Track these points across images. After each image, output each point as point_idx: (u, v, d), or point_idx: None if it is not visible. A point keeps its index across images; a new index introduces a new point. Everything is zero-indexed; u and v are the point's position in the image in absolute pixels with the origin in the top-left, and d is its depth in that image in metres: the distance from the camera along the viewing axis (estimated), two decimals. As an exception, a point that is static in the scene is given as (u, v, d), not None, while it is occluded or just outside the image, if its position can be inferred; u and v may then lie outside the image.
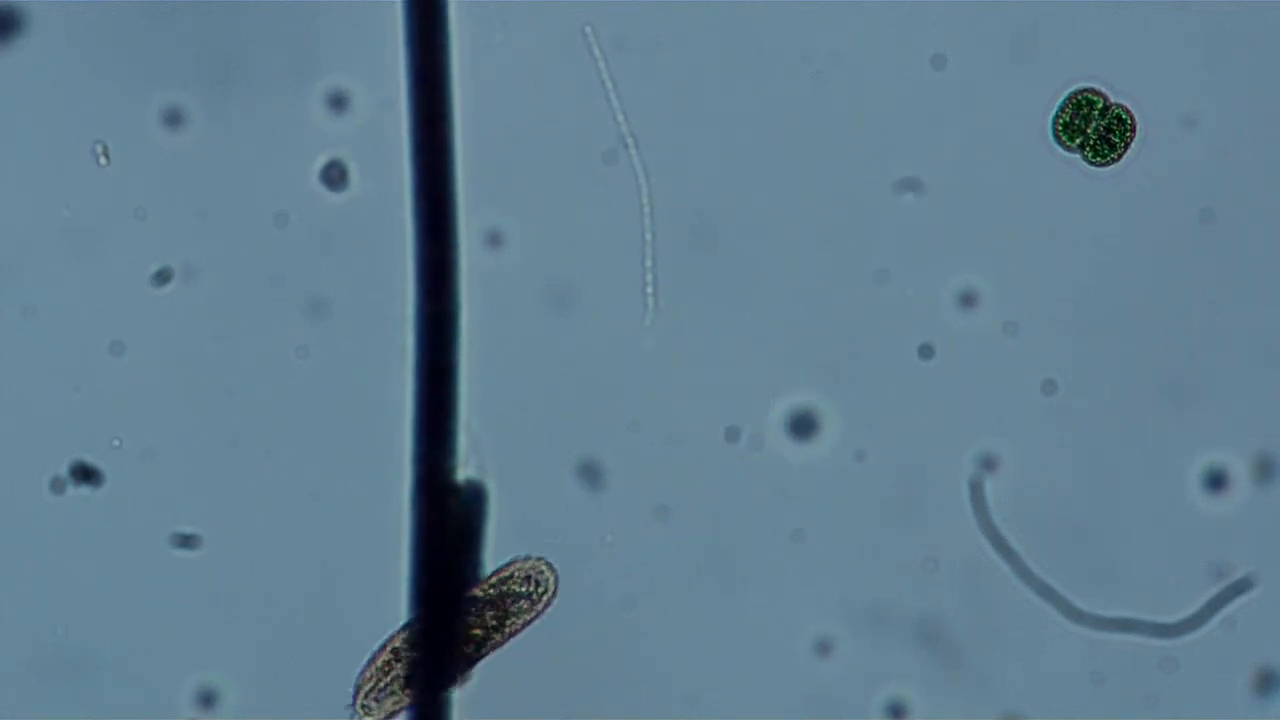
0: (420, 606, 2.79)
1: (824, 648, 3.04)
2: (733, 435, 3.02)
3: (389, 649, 2.88)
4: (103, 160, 2.47)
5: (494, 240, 3.00)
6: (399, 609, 3.02)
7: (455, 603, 2.82)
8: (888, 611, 3.04)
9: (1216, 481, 3.02)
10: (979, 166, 3.03)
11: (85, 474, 3.02)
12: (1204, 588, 3.02)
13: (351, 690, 2.91)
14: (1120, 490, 3.04)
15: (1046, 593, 3.02)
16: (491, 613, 2.86)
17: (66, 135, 3.03)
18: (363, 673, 2.89)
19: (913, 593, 3.04)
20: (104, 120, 3.02)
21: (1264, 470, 3.03)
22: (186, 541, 3.03)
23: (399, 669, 2.87)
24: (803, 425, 2.88)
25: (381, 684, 2.87)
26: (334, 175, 2.90)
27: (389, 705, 2.89)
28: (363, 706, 2.89)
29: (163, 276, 3.02)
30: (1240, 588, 3.01)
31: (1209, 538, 3.03)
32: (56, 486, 3.02)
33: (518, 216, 3.01)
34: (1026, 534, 3.03)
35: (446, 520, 2.69)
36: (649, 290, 2.74)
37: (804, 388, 3.01)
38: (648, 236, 2.70)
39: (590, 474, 3.02)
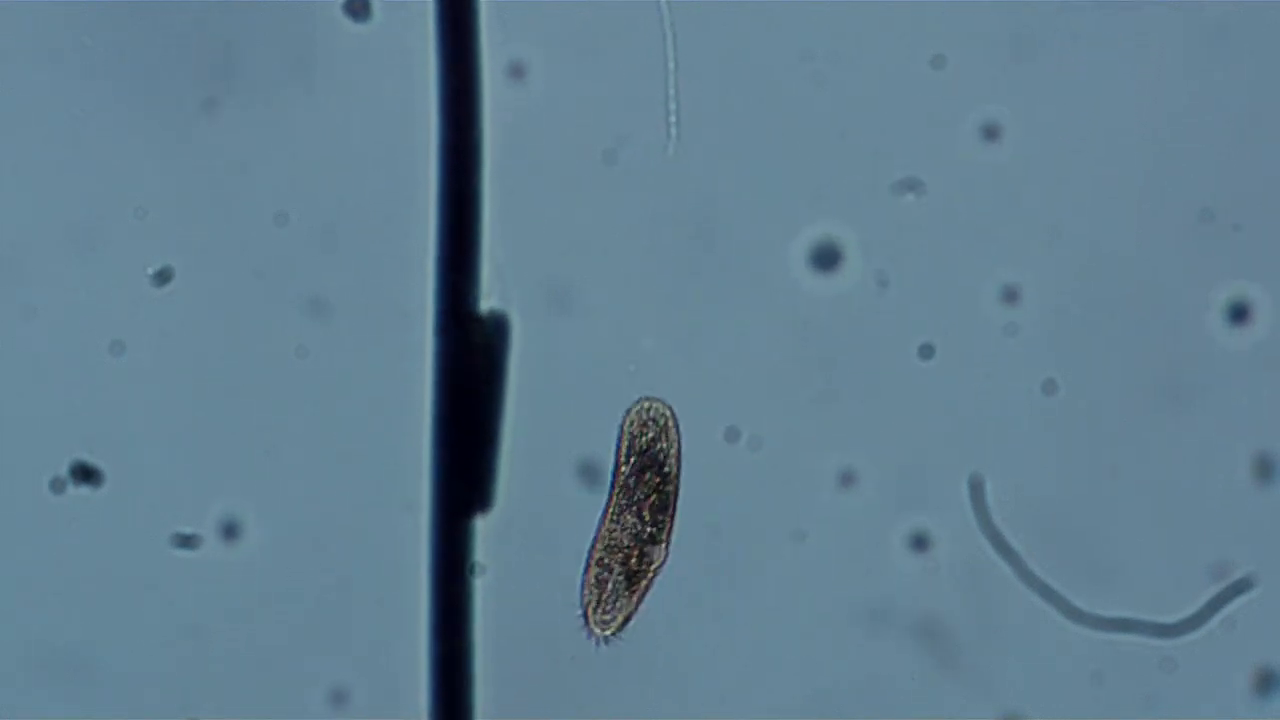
0: (449, 437, 2.80)
1: (821, 649, 3.05)
2: (733, 435, 3.03)
3: (592, 566, 2.90)
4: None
5: (516, 71, 2.98)
6: (403, 604, 3.03)
7: (481, 431, 2.83)
8: (888, 612, 3.05)
9: (1218, 478, 3.03)
10: (979, 166, 3.04)
11: (85, 474, 3.02)
12: (1204, 588, 3.02)
13: (581, 618, 2.93)
14: (1120, 490, 3.04)
15: (1046, 593, 3.02)
16: (651, 477, 2.90)
17: (67, 135, 3.03)
18: (582, 597, 2.91)
19: (912, 593, 3.04)
20: (104, 120, 3.02)
21: (1264, 470, 3.03)
22: (186, 541, 3.03)
23: (611, 575, 2.89)
24: (826, 257, 2.88)
25: (603, 596, 2.90)
26: (356, 6, 2.89)
27: (622, 609, 2.91)
28: (600, 623, 2.92)
29: (163, 276, 3.02)
30: (1240, 588, 3.01)
31: (1209, 537, 3.04)
32: (56, 486, 3.02)
33: (540, 47, 2.99)
34: (1026, 534, 3.03)
35: (471, 349, 2.70)
36: (672, 118, 2.72)
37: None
38: (670, 65, 2.68)
39: (590, 474, 3.02)
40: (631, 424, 2.91)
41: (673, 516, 2.89)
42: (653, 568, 2.87)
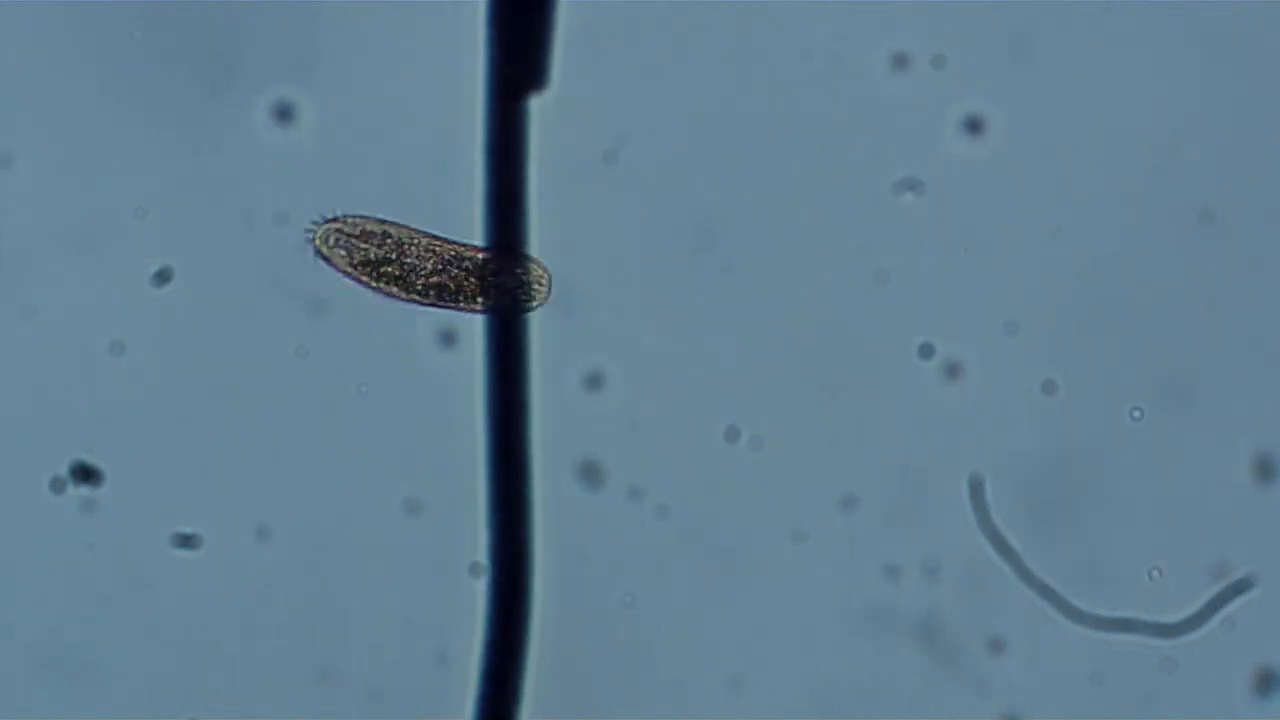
0: (503, 13, 2.77)
1: (819, 647, 3.05)
2: (733, 435, 3.03)
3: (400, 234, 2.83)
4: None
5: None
6: (403, 604, 3.03)
7: (535, 7, 2.79)
8: (888, 612, 3.05)
9: (1220, 480, 3.03)
10: (979, 166, 3.03)
11: (85, 474, 3.02)
12: (1204, 587, 3.02)
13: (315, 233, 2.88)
14: (1120, 490, 3.04)
15: (1046, 593, 3.02)
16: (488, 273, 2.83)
17: (67, 135, 3.03)
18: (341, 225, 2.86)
19: (912, 593, 3.04)
20: (105, 121, 3.02)
21: (1264, 470, 3.03)
22: (186, 541, 3.03)
23: (396, 256, 2.83)
24: None
25: (349, 238, 2.83)
26: None
27: (341, 255, 2.85)
28: (323, 240, 2.86)
29: (163, 276, 3.02)
30: (1240, 588, 3.01)
31: (1209, 537, 3.04)
32: (56, 486, 3.02)
33: None
34: (1026, 533, 3.03)
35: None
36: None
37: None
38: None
39: (590, 474, 3.02)
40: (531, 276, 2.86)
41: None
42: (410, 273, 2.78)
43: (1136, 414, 2.93)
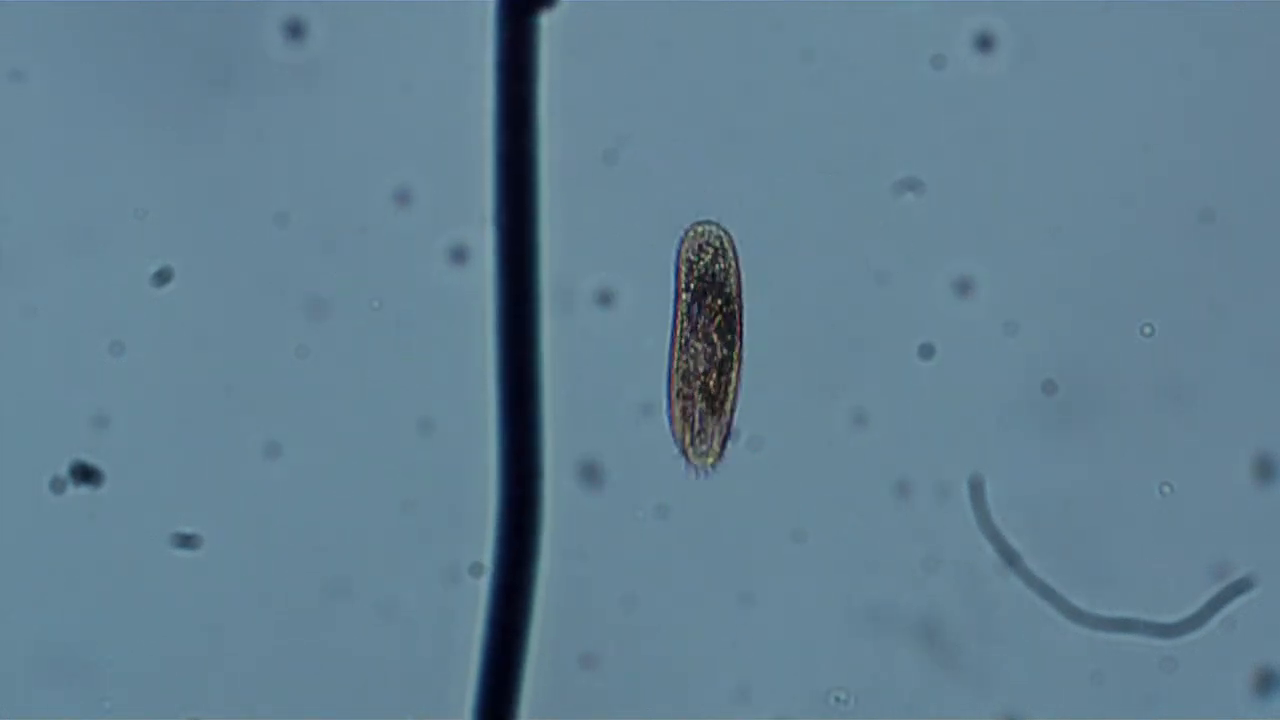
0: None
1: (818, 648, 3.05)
2: (732, 435, 3.02)
3: (675, 401, 2.89)
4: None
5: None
6: (402, 603, 3.03)
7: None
8: (888, 613, 3.05)
9: (1220, 480, 3.03)
10: (979, 166, 3.04)
11: (85, 474, 3.02)
12: (1204, 587, 3.02)
13: (680, 453, 2.93)
14: (1120, 490, 3.04)
15: (1046, 593, 3.02)
16: (714, 299, 2.89)
17: (67, 135, 3.03)
18: (674, 436, 2.91)
19: (912, 593, 3.04)
20: (104, 120, 3.02)
21: (1264, 470, 3.03)
22: (186, 541, 3.03)
23: (694, 403, 2.88)
24: None
25: (693, 426, 2.90)
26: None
27: (714, 434, 2.91)
28: (700, 454, 2.92)
29: (163, 276, 3.02)
30: (1240, 588, 3.01)
31: (1209, 537, 3.04)
32: (56, 486, 3.02)
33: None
34: (1026, 534, 3.03)
35: None
36: None
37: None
38: None
39: (590, 474, 3.02)
40: (688, 250, 2.90)
41: (740, 334, 2.86)
42: (730, 387, 2.84)
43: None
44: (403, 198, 3.02)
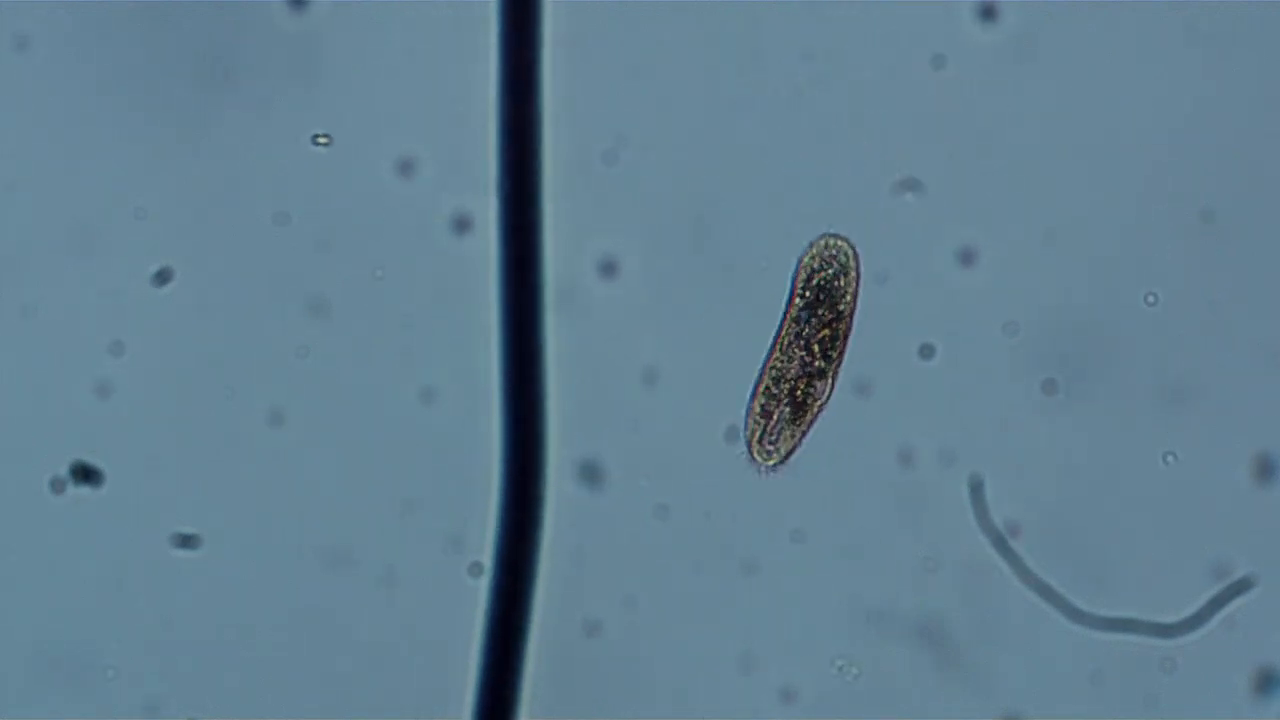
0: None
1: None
2: (733, 435, 3.03)
3: (759, 396, 2.90)
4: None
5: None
6: (402, 603, 3.03)
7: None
8: (888, 614, 3.05)
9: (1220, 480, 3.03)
10: (978, 166, 3.04)
11: (85, 474, 3.02)
12: (1204, 587, 3.02)
13: (744, 447, 2.94)
14: (1120, 490, 3.04)
15: (1046, 593, 3.02)
16: (825, 313, 2.89)
17: (67, 135, 3.03)
18: (747, 426, 2.92)
19: (912, 593, 3.04)
20: (104, 120, 3.02)
21: (1264, 470, 3.03)
22: (186, 541, 3.03)
23: (778, 406, 2.89)
24: None
25: (769, 426, 2.90)
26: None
27: (786, 440, 2.92)
28: (764, 453, 2.93)
29: (163, 276, 3.02)
30: (1240, 588, 3.01)
31: (1210, 537, 3.04)
32: (56, 486, 3.02)
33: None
34: (1026, 534, 3.03)
35: None
36: None
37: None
38: None
39: (590, 474, 3.02)
40: (812, 258, 2.90)
41: (842, 354, 2.86)
42: (818, 403, 2.84)
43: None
44: (405, 168, 3.01)
